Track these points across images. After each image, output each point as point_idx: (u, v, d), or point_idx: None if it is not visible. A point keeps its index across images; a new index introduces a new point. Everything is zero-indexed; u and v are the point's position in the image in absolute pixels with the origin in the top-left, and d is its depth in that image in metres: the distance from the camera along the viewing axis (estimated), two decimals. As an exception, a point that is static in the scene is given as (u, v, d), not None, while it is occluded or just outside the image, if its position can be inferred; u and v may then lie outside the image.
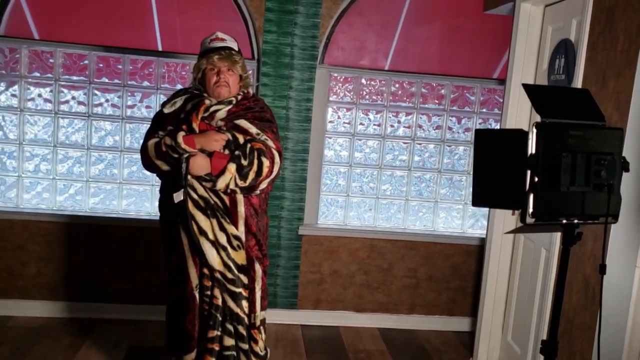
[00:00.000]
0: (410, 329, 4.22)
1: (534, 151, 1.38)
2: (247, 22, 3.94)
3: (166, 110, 2.75)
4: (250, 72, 2.73)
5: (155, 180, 4.07)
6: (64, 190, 4.05)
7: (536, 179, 1.38)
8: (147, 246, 3.98)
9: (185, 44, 4.01)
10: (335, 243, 4.13)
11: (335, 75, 4.13)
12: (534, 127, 1.39)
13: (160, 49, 4.00)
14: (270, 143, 2.73)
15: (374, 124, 4.22)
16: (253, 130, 2.71)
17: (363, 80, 4.16)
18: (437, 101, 4.24)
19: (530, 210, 1.39)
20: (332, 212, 4.27)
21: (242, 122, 2.71)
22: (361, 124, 4.21)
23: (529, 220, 1.39)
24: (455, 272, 4.23)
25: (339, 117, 4.19)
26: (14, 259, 3.91)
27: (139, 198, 4.12)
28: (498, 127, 4.24)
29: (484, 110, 4.26)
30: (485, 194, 1.46)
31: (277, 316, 4.10)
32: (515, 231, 1.50)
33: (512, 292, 3.63)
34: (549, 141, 1.37)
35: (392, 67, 4.16)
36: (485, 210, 4.28)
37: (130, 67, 4.00)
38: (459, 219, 4.34)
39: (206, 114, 2.67)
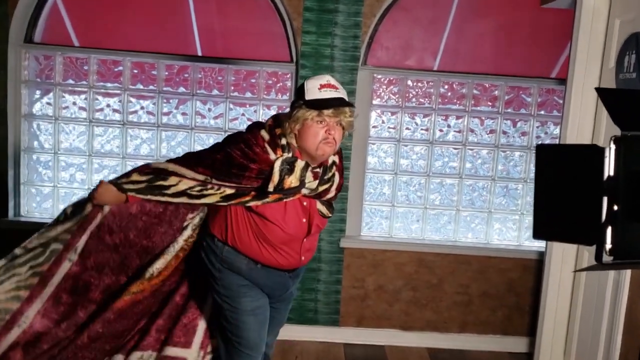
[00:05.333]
0: (461, 349, 3.91)
1: (612, 173, 1.10)
2: (284, 23, 3.73)
3: (269, 189, 2.24)
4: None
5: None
6: (100, 201, 3.94)
7: (615, 208, 1.10)
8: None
9: (222, 48, 3.84)
10: (380, 256, 3.87)
11: (379, 77, 3.87)
12: (612, 143, 1.11)
13: (199, 53, 3.85)
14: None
15: (422, 129, 3.94)
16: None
17: (409, 82, 3.89)
18: (490, 103, 3.92)
19: (608, 246, 1.11)
20: (377, 223, 4.00)
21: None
22: (407, 128, 3.93)
23: (606, 258, 1.12)
24: (511, 288, 3.90)
25: (383, 122, 3.93)
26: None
27: (175, 208, 3.96)
28: (557, 131, 3.89)
29: (542, 112, 3.92)
30: (549, 225, 1.18)
31: (318, 334, 3.88)
32: (587, 269, 1.22)
33: (575, 312, 3.29)
34: (632, 160, 1.09)
35: (442, 66, 3.87)
36: (544, 220, 3.94)
37: (166, 73, 3.85)
38: (515, 230, 4.00)
39: (312, 194, 2.33)
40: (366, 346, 3.88)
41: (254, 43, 3.82)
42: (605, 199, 1.12)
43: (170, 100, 3.89)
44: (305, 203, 2.34)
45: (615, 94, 1.12)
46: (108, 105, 3.87)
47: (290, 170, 2.23)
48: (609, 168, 1.11)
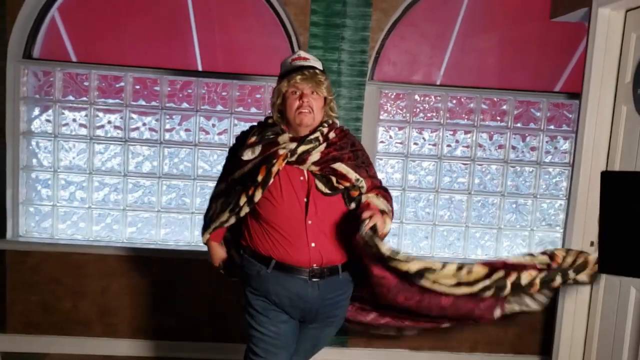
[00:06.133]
0: (472, 368, 3.84)
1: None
2: (290, 38, 3.66)
3: (245, 157, 2.33)
4: (334, 95, 2.43)
5: (195, 207, 3.82)
6: (101, 220, 3.83)
7: (694, 241, 1.04)
8: (187, 278, 3.72)
9: (226, 63, 3.77)
10: (389, 274, 3.78)
11: (386, 91, 3.80)
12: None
13: (200, 68, 3.76)
14: (364, 191, 2.44)
15: (430, 144, 3.88)
16: (352, 175, 2.36)
17: (416, 97, 3.83)
18: (499, 118, 3.87)
19: (687, 282, 1.05)
20: (384, 240, 3.92)
21: (340, 167, 2.34)
22: (415, 143, 3.87)
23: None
24: (522, 306, 3.83)
25: (390, 137, 3.86)
26: (49, 292, 3.70)
27: (178, 227, 3.86)
28: (567, 146, 3.85)
29: (552, 127, 3.87)
30: (620, 259, 1.12)
31: (325, 355, 3.76)
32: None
33: (593, 332, 3.22)
34: None
35: (446, 81, 3.82)
36: (555, 236, 3.88)
37: (169, 89, 3.76)
38: (524, 246, 3.94)
39: (293, 159, 2.30)
40: (376, 367, 3.78)
41: (259, 58, 3.74)
42: (682, 231, 1.05)
43: (173, 116, 3.80)
44: (302, 178, 2.33)
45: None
46: (109, 122, 3.77)
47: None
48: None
